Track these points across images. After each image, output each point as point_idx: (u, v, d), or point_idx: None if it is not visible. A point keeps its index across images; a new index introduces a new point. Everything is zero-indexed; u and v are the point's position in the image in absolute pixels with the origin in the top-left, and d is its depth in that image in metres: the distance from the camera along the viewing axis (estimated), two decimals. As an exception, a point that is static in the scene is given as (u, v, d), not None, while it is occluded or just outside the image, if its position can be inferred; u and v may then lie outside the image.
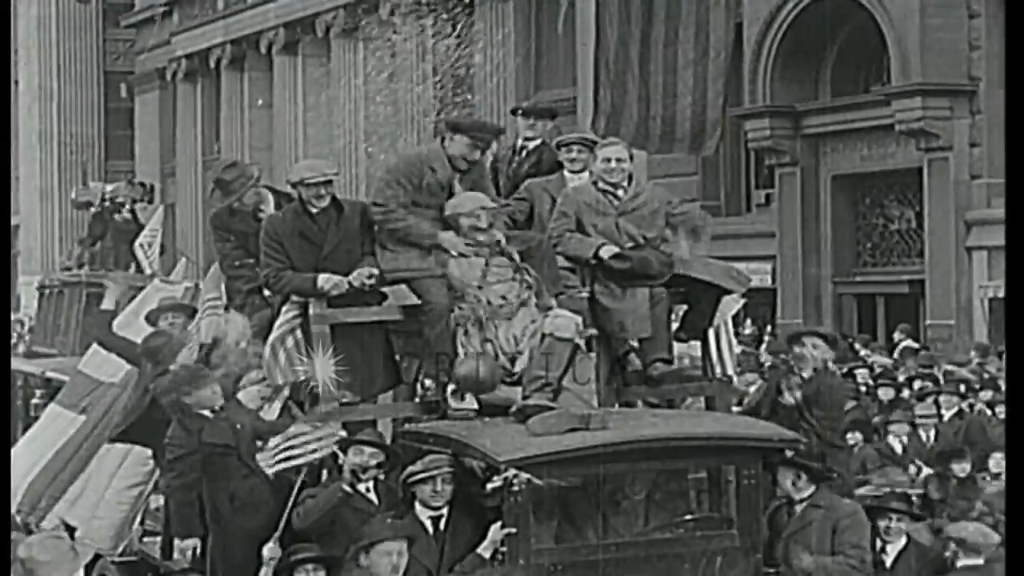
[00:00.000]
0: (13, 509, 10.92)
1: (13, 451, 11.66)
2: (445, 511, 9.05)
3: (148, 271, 16.22)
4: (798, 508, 9.49)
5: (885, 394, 16.35)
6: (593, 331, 9.86)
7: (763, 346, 22.06)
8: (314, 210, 9.97)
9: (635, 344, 10.38)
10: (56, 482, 11.43)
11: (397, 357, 10.27)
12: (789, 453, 9.47)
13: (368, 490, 9.33)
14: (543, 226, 10.65)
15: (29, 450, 11.78)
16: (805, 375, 10.53)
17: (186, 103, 45.61)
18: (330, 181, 10.05)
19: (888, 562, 9.56)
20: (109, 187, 26.43)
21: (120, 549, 11.15)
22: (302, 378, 9.80)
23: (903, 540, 9.64)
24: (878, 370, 18.17)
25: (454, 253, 9.89)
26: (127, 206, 25.66)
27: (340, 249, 9.96)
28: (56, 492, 11.39)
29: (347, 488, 9.18)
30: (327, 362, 9.71)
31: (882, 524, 9.61)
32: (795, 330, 11.14)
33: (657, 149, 25.21)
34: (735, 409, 11.15)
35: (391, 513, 9.15)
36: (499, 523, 8.73)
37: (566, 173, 11.01)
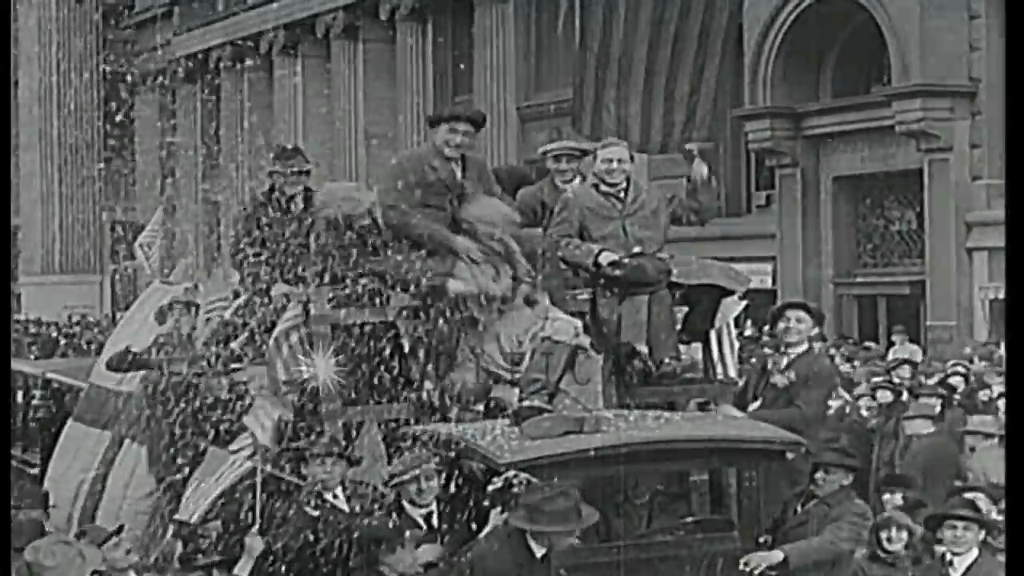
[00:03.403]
0: (71, 534, 10.94)
1: (50, 477, 11.74)
2: (435, 507, 9.01)
3: (148, 271, 16.23)
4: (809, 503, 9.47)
5: (883, 397, 16.27)
6: (588, 339, 9.84)
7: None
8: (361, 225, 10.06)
9: (639, 348, 10.34)
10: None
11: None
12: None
13: (335, 496, 9.20)
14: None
15: (66, 476, 11.79)
16: (792, 352, 10.29)
17: (186, 104, 45.61)
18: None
19: None
20: None
21: (153, 557, 11.13)
22: (305, 376, 9.82)
23: (974, 552, 9.03)
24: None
25: (466, 259, 9.89)
26: None
27: None
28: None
29: (312, 512, 9.04)
30: (328, 363, 9.72)
31: (948, 534, 9.08)
32: (777, 305, 10.83)
33: (638, 148, 25.18)
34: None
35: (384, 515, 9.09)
36: (499, 508, 8.63)
37: (556, 182, 10.98)
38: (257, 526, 9.03)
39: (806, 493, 9.56)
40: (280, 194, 10.83)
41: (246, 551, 8.92)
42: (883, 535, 9.48)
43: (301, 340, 9.85)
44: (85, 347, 28.20)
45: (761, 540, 9.17)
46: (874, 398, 16.18)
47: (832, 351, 20.04)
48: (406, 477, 8.94)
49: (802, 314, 10.40)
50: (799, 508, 9.54)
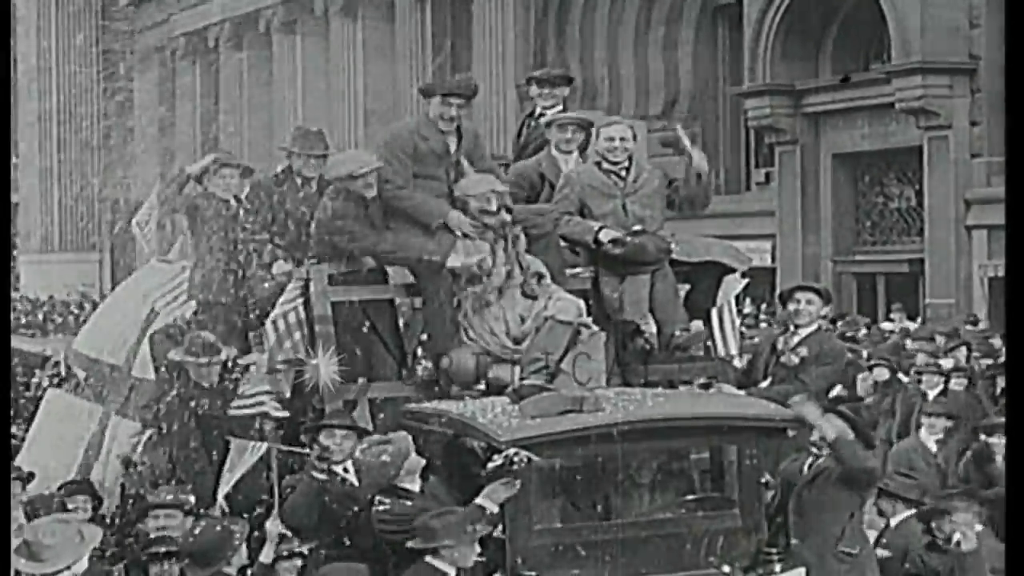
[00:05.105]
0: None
1: (31, 446, 11.66)
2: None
3: (145, 249, 16.21)
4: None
5: (879, 375, 16.25)
6: (589, 319, 9.85)
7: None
8: (369, 196, 9.99)
9: (642, 326, 10.34)
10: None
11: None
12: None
13: (346, 470, 9.22)
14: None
15: (55, 449, 11.71)
16: (802, 332, 10.32)
17: (185, 81, 45.58)
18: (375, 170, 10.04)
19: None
20: None
21: None
22: (301, 357, 9.83)
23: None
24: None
25: (459, 233, 9.88)
26: None
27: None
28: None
29: (319, 476, 9.06)
30: (329, 361, 9.72)
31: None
32: (788, 287, 10.90)
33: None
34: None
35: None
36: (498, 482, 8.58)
37: (555, 153, 10.90)
38: (277, 510, 8.99)
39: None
40: (297, 175, 10.79)
41: (268, 537, 8.89)
42: (934, 524, 9.53)
43: (300, 322, 9.85)
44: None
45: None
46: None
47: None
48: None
49: (812, 296, 10.44)
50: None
